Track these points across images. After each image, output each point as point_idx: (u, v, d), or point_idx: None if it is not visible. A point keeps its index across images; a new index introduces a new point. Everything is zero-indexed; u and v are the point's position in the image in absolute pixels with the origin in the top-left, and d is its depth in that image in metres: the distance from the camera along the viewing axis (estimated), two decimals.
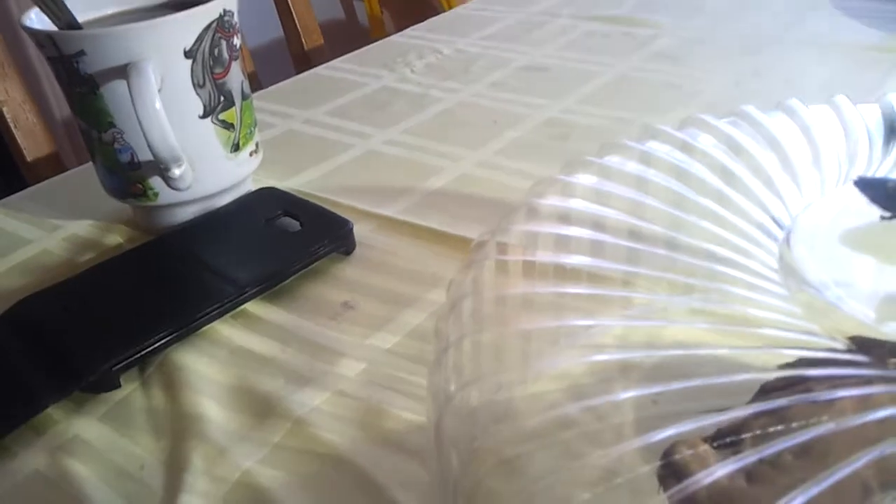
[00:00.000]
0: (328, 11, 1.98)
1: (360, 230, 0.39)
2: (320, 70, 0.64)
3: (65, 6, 0.36)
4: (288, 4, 0.81)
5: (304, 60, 0.82)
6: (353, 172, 0.47)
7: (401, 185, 0.44)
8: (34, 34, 0.36)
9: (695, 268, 0.22)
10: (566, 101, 0.53)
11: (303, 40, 0.82)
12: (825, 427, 0.15)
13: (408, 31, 0.71)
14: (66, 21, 0.37)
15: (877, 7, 0.63)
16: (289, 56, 0.84)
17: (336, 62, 0.65)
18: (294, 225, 0.39)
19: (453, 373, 0.19)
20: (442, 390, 0.19)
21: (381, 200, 0.43)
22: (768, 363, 0.18)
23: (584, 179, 0.25)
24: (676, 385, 0.18)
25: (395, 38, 0.70)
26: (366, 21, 1.96)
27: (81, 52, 0.35)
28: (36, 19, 0.38)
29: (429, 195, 0.43)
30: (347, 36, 1.90)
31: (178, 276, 0.36)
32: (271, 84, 0.62)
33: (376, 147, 0.49)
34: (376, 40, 0.69)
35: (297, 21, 0.81)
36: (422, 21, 0.73)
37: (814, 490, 0.14)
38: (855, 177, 0.23)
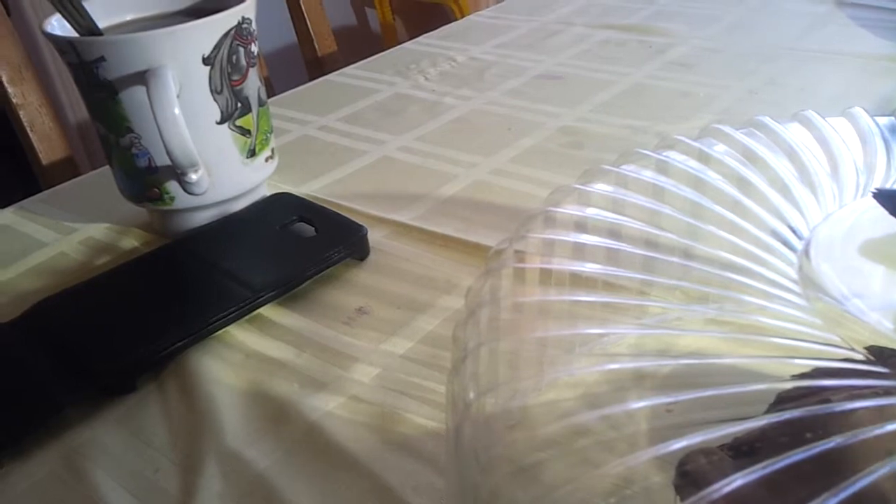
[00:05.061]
0: (340, 18, 1.99)
1: (374, 236, 0.39)
2: (334, 76, 0.64)
3: (86, 12, 0.37)
4: (301, 10, 0.81)
5: (317, 66, 0.82)
6: (367, 179, 0.47)
7: (415, 191, 0.45)
8: (55, 40, 0.37)
9: (710, 277, 0.22)
10: (581, 110, 0.53)
11: (316, 46, 0.82)
12: (843, 438, 0.15)
13: (421, 38, 0.71)
14: (87, 27, 0.37)
15: (889, 18, 0.63)
16: (302, 61, 0.84)
17: (350, 69, 0.65)
18: (309, 230, 0.39)
19: (471, 381, 0.20)
20: (461, 398, 0.19)
21: (394, 206, 0.43)
22: (785, 373, 0.18)
23: (601, 188, 0.25)
24: (692, 394, 0.18)
25: (409, 46, 0.70)
26: (377, 28, 1.96)
27: (102, 59, 0.36)
28: (57, 25, 0.38)
29: (443, 202, 0.43)
30: (359, 42, 1.91)
31: (194, 280, 0.37)
32: (284, 88, 0.63)
33: (390, 153, 0.49)
34: (389, 47, 0.70)
35: (310, 26, 0.82)
36: (434, 29, 0.73)
37: (832, 501, 0.14)
38: (873, 188, 0.23)
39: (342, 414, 0.29)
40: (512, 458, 0.20)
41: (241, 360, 0.33)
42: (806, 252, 0.21)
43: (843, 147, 0.25)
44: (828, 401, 0.16)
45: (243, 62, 0.39)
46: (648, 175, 0.25)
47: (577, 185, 0.25)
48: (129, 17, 0.42)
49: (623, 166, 0.26)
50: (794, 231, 0.22)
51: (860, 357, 0.18)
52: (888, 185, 0.23)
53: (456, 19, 0.79)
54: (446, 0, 1.79)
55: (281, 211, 0.41)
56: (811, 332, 0.19)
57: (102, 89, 0.37)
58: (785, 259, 0.21)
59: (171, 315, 0.34)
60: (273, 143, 0.43)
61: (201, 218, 0.41)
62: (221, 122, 0.39)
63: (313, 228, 0.39)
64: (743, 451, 0.17)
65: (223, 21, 0.37)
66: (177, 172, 0.37)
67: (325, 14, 0.84)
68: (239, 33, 0.38)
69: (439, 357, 0.32)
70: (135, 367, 0.32)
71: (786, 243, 0.22)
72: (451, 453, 0.20)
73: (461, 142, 0.50)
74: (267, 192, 0.44)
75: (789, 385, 0.18)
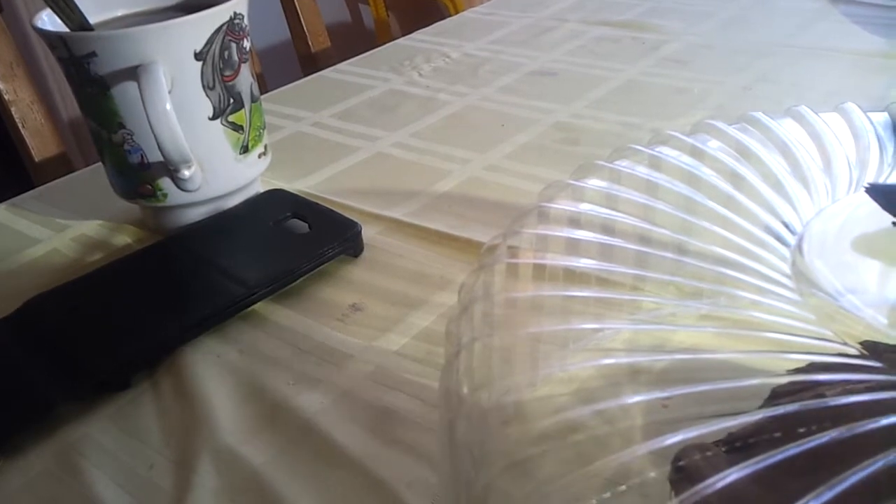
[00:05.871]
0: (334, 14, 1.98)
1: (367, 232, 0.39)
2: (328, 73, 0.64)
3: (77, 7, 0.37)
4: (294, 5, 0.81)
5: (310, 62, 0.82)
6: (360, 175, 0.47)
7: (408, 187, 0.44)
8: (46, 35, 0.37)
9: (704, 272, 0.22)
10: (575, 106, 0.53)
11: (309, 42, 0.82)
12: (837, 432, 0.15)
13: (415, 34, 0.71)
14: (78, 22, 0.37)
15: (882, 15, 0.63)
16: (295, 57, 0.84)
17: (343, 65, 0.65)
18: (302, 227, 0.39)
19: (465, 376, 0.20)
20: (454, 393, 0.19)
21: (388, 203, 0.43)
22: (779, 368, 0.18)
23: (595, 184, 0.25)
24: (686, 389, 0.18)
25: (403, 42, 0.70)
26: (371, 24, 1.96)
27: (93, 54, 0.35)
28: (48, 20, 0.38)
29: (436, 198, 0.43)
30: (353, 38, 1.91)
31: (187, 277, 0.37)
32: (277, 85, 0.62)
33: (384, 150, 0.49)
34: (382, 43, 0.69)
35: (303, 23, 0.81)
36: (428, 25, 0.73)
37: (826, 496, 0.14)
38: (866, 183, 0.23)
39: (336, 410, 0.29)
40: (506, 454, 0.20)
41: (235, 356, 0.33)
42: (799, 247, 0.21)
43: (835, 142, 0.25)
44: (822, 395, 0.16)
45: (235, 58, 0.39)
46: (642, 171, 0.25)
47: (571, 181, 0.25)
48: (120, 13, 0.41)
49: (616, 162, 0.26)
50: (787, 226, 0.22)
51: (854, 352, 0.18)
52: (881, 180, 0.23)
53: (450, 15, 0.79)
54: None
55: (274, 207, 0.41)
56: (805, 328, 0.19)
57: (94, 85, 0.37)
58: (778, 254, 0.21)
59: (164, 312, 0.34)
60: (266, 139, 0.43)
61: (194, 214, 0.41)
62: (214, 117, 0.39)
63: (307, 225, 0.39)
64: (737, 446, 0.17)
65: (215, 16, 0.37)
66: (169, 169, 0.37)
67: (319, 10, 0.84)
68: (231, 29, 0.38)
69: (433, 353, 0.31)
70: (128, 364, 0.32)
71: (779, 238, 0.22)
72: (445, 449, 0.20)
73: (455, 138, 0.50)
74: (260, 188, 0.44)
75: (784, 380, 0.18)
